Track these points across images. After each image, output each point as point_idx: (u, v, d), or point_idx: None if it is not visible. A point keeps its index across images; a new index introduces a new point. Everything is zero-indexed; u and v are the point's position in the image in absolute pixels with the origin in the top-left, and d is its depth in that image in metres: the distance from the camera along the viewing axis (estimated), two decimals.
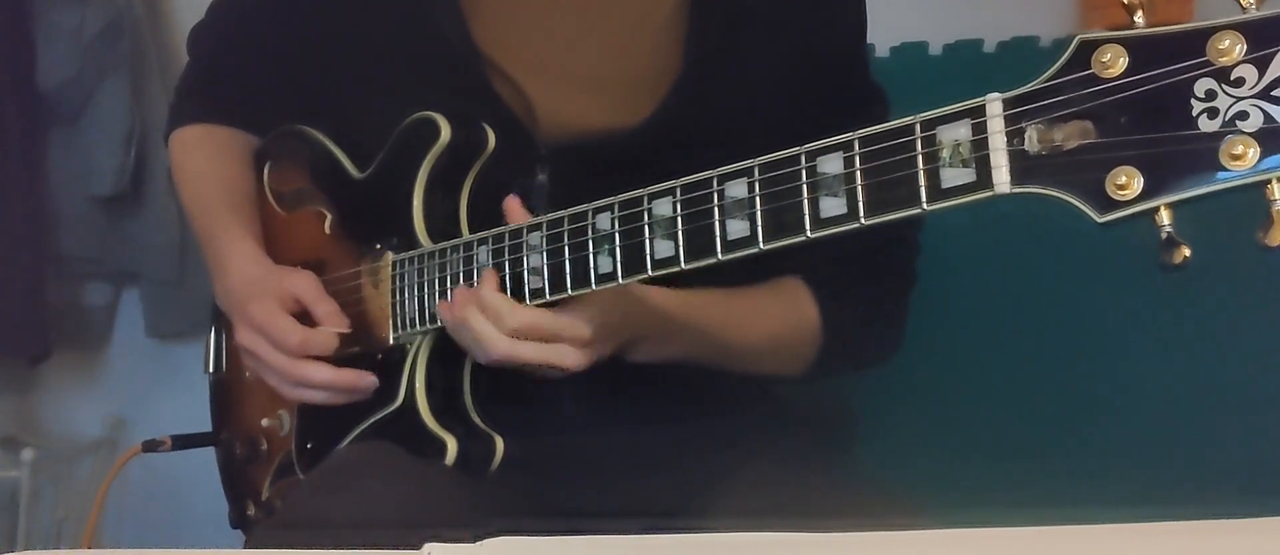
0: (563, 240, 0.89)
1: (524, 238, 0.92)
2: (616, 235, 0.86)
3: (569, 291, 0.89)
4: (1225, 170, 0.60)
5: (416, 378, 1.02)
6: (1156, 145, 0.62)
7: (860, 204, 0.73)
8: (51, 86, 2.01)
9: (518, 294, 0.93)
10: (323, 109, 1.16)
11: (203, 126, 1.27)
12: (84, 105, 2.03)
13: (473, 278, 0.96)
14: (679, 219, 0.82)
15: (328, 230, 1.14)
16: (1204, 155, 0.60)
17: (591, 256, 0.87)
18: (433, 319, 1.00)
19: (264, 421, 1.18)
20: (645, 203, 0.84)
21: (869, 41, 1.18)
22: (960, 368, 1.47)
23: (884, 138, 0.72)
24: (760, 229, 0.78)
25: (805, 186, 0.75)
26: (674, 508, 1.02)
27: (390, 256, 1.05)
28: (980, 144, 0.67)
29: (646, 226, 0.84)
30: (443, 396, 1.01)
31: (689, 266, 0.82)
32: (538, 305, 0.92)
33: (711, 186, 0.81)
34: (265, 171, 1.23)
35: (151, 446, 1.43)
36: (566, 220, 0.89)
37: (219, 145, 1.25)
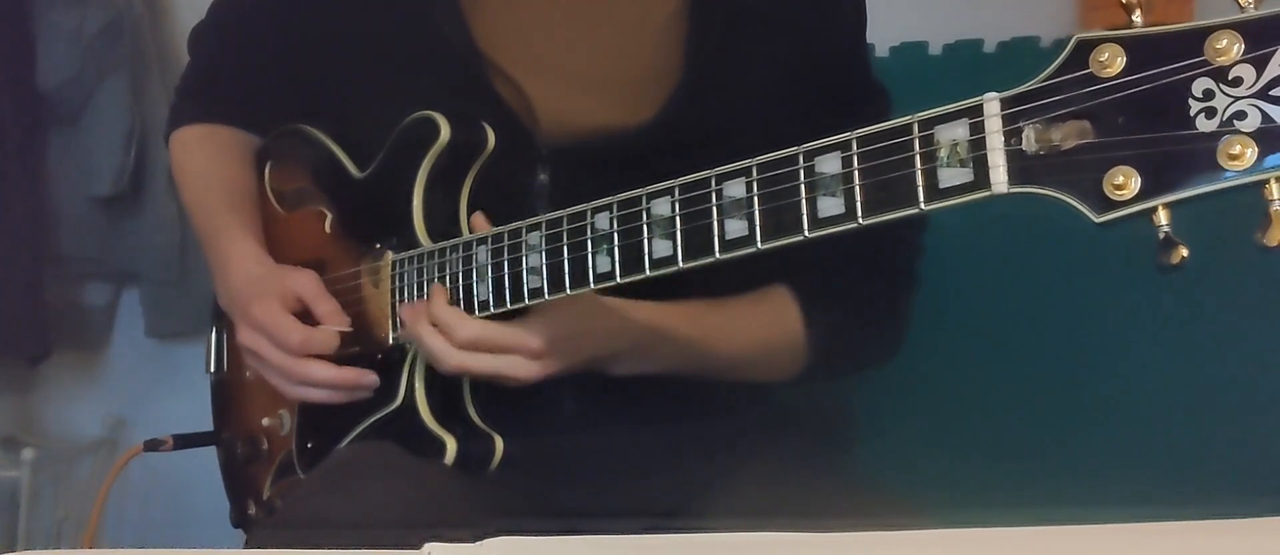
0: (562, 240, 0.89)
1: (523, 237, 0.92)
2: (615, 235, 0.86)
3: (568, 291, 0.89)
4: (1223, 170, 0.60)
5: (416, 377, 1.02)
6: (1154, 145, 0.62)
7: (858, 204, 0.73)
8: (51, 86, 2.02)
9: (516, 294, 0.93)
10: (323, 109, 1.16)
11: (203, 126, 1.27)
12: (84, 105, 2.03)
13: (473, 277, 0.96)
14: (677, 219, 0.82)
15: (328, 230, 1.14)
16: (1202, 155, 0.60)
17: (590, 256, 0.87)
18: None
19: (265, 421, 1.18)
20: (644, 202, 0.84)
21: (869, 41, 1.18)
22: (959, 368, 1.47)
23: (882, 137, 0.72)
24: (758, 229, 0.78)
25: (803, 186, 0.75)
26: (674, 508, 1.02)
27: (390, 256, 1.05)
28: (978, 144, 0.67)
29: (645, 226, 0.84)
30: (442, 396, 1.01)
31: (687, 266, 0.82)
32: (534, 305, 0.92)
33: (710, 186, 0.81)
34: (266, 171, 1.23)
35: (153, 446, 1.43)
36: (565, 220, 0.89)
37: (220, 145, 1.26)
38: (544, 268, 0.90)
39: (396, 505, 0.91)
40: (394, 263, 1.04)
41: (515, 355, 0.94)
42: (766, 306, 1.07)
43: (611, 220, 0.86)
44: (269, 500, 1.18)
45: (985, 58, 1.62)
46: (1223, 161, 0.60)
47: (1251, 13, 0.60)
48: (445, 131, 1.00)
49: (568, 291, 0.89)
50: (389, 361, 1.04)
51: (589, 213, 0.88)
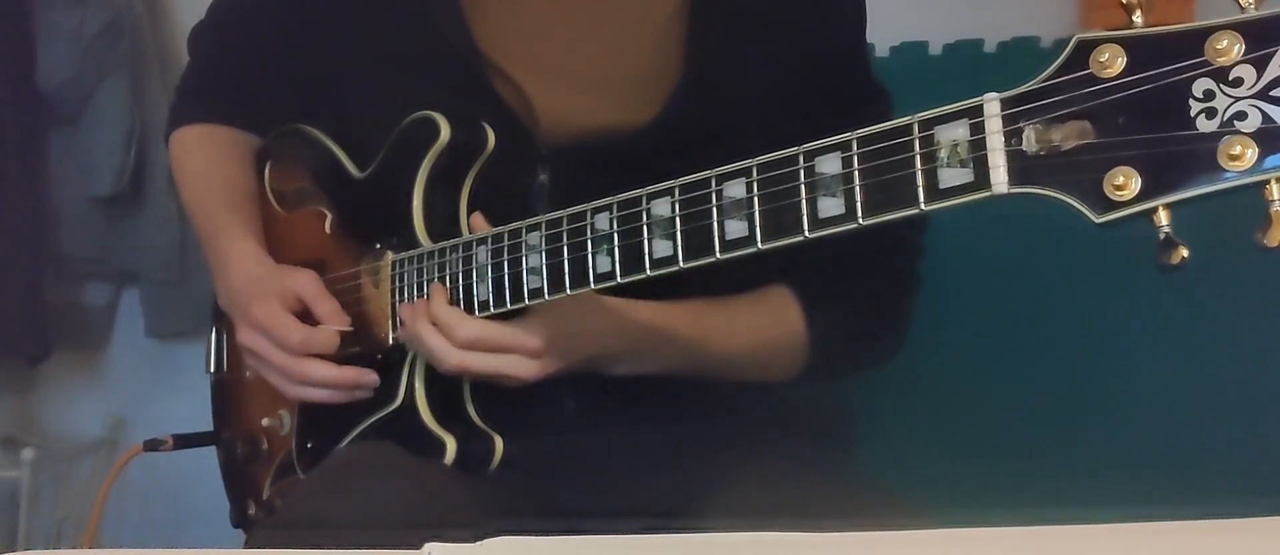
0: (562, 240, 0.89)
1: (523, 237, 0.92)
2: (615, 235, 0.86)
3: (568, 291, 0.89)
4: (1224, 170, 0.60)
5: (416, 377, 1.02)
6: (1154, 145, 0.62)
7: (858, 204, 0.73)
8: (51, 86, 2.02)
9: (516, 294, 0.93)
10: (323, 109, 1.16)
11: (203, 126, 1.27)
12: (84, 105, 2.03)
13: (473, 277, 0.96)
14: (677, 219, 0.82)
15: (328, 230, 1.14)
16: (1202, 155, 0.60)
17: (590, 256, 0.87)
18: None
19: (264, 421, 1.18)
20: (644, 203, 0.84)
21: (869, 41, 1.18)
22: (959, 367, 1.47)
23: (882, 138, 0.72)
24: (758, 229, 0.78)
25: (803, 187, 0.75)
26: (674, 508, 1.02)
27: (390, 256, 1.05)
28: (978, 144, 0.67)
29: (645, 227, 0.84)
30: (442, 396, 1.01)
31: (687, 266, 0.82)
32: (535, 305, 0.92)
33: (710, 187, 0.81)
34: (266, 171, 1.23)
35: (153, 446, 1.43)
36: (565, 220, 0.89)
37: (220, 145, 1.26)
38: (544, 268, 0.90)
39: (396, 505, 0.91)
40: (394, 263, 1.04)
41: (515, 355, 0.94)
42: (767, 306, 1.07)
43: (611, 220, 0.86)
44: (269, 500, 1.18)
45: (985, 58, 1.61)
46: (1223, 162, 0.60)
47: (1252, 13, 0.60)
48: (445, 131, 1.00)
49: (568, 292, 0.89)
50: (389, 361, 1.04)
51: (589, 213, 0.88)
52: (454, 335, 0.94)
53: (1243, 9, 0.60)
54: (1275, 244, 0.59)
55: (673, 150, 0.93)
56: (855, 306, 1.08)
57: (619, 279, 0.86)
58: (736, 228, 0.79)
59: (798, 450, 1.07)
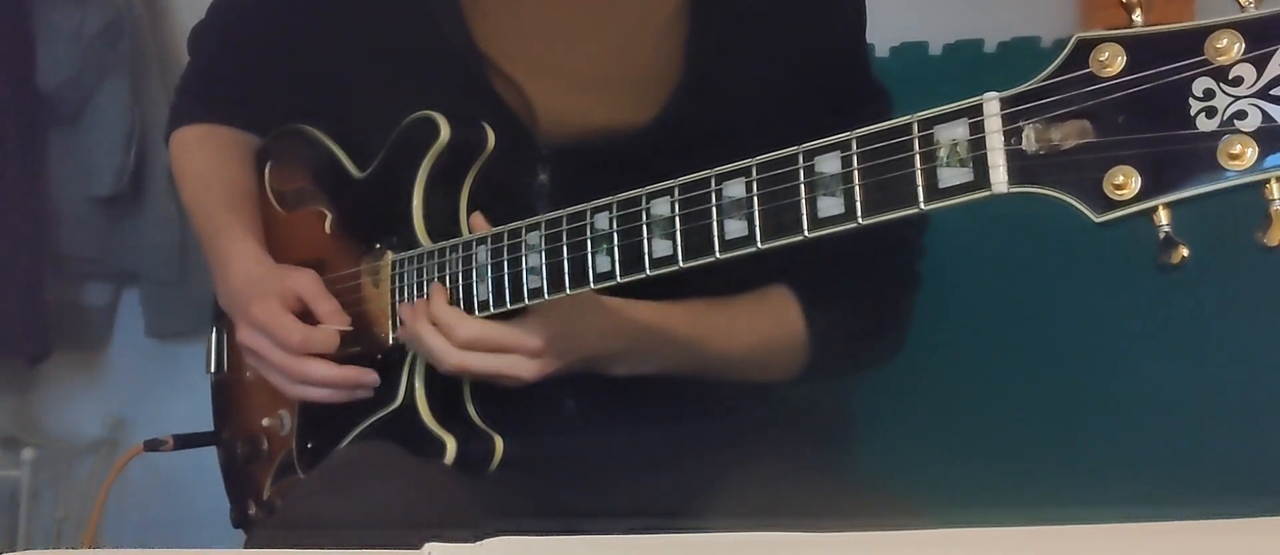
0: (561, 240, 0.89)
1: (523, 237, 0.92)
2: (614, 235, 0.86)
3: (567, 291, 0.89)
4: (1224, 170, 0.60)
5: (416, 377, 1.02)
6: (1154, 145, 0.62)
7: (858, 204, 0.73)
8: (51, 86, 2.02)
9: (516, 293, 0.93)
10: (323, 109, 1.16)
11: (203, 126, 1.27)
12: (84, 105, 2.03)
13: (472, 277, 0.96)
14: (677, 219, 0.82)
15: (328, 230, 1.14)
16: (1202, 155, 0.60)
17: (590, 256, 0.87)
18: None
19: (265, 421, 1.18)
20: (643, 202, 0.84)
21: (869, 41, 1.18)
22: (959, 367, 1.47)
23: (881, 137, 0.72)
24: (758, 229, 0.78)
25: (803, 186, 0.75)
26: (674, 508, 1.02)
27: (390, 256, 1.05)
28: (978, 144, 0.67)
29: (644, 226, 0.84)
30: (442, 396, 1.01)
31: (687, 266, 0.82)
32: (534, 304, 0.92)
33: (709, 186, 0.81)
34: (266, 171, 1.23)
35: (154, 446, 1.43)
36: (565, 220, 0.89)
37: (220, 145, 1.26)
38: (544, 268, 0.90)
39: (396, 505, 0.91)
40: (394, 263, 1.04)
41: (515, 354, 0.94)
42: (767, 306, 1.07)
43: (611, 220, 0.86)
44: (269, 500, 1.18)
45: (985, 58, 1.61)
46: (1223, 161, 0.60)
47: (1252, 12, 0.60)
48: (445, 131, 1.00)
49: (568, 291, 0.89)
50: (389, 361, 1.04)
51: (589, 213, 0.88)
52: (454, 335, 0.94)
53: (1242, 8, 0.60)
54: (1275, 243, 0.59)
55: (672, 150, 0.93)
56: (855, 306, 1.08)
57: (619, 279, 0.86)
58: (736, 227, 0.79)
59: (798, 450, 1.07)
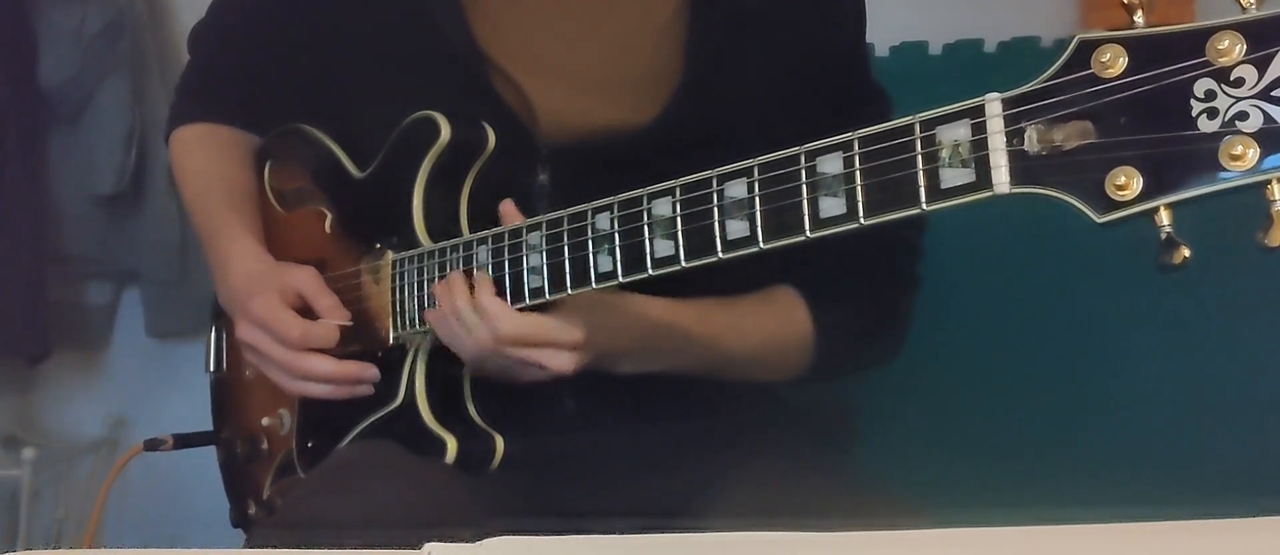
0: (562, 240, 0.89)
1: (523, 237, 0.92)
2: (616, 235, 0.86)
3: (569, 291, 0.89)
4: (1225, 170, 0.60)
5: (416, 377, 1.02)
6: (1156, 145, 0.62)
7: (860, 204, 0.73)
8: (52, 86, 2.01)
9: (517, 293, 0.93)
10: (323, 108, 1.16)
11: (203, 125, 1.27)
12: (85, 104, 2.03)
13: (472, 278, 0.96)
14: (678, 219, 0.82)
15: (328, 229, 1.14)
16: (1204, 155, 0.60)
17: (591, 256, 0.87)
18: None
19: (265, 420, 1.18)
20: (645, 203, 0.84)
21: (869, 41, 1.18)
22: (960, 367, 1.47)
23: (883, 138, 0.72)
24: (760, 229, 0.78)
25: (805, 186, 0.75)
26: (674, 508, 1.02)
27: (390, 256, 1.05)
28: (979, 144, 0.67)
29: (646, 226, 0.84)
30: (443, 395, 1.01)
31: (689, 265, 0.82)
32: (537, 304, 0.92)
33: (711, 187, 0.81)
34: (266, 170, 1.23)
35: (153, 445, 1.43)
36: (566, 220, 0.89)
37: (220, 144, 1.26)
38: (545, 267, 0.90)
39: (397, 505, 0.91)
40: (394, 262, 1.04)
41: (553, 348, 0.93)
42: (774, 306, 1.07)
43: (612, 220, 0.86)
44: (269, 500, 1.18)
45: (985, 58, 1.62)
46: (1224, 162, 0.60)
47: (1253, 14, 0.60)
48: (445, 131, 1.00)
49: (568, 291, 0.89)
50: (389, 361, 1.04)
51: (590, 213, 0.88)
52: (499, 327, 0.92)
53: (1244, 9, 0.60)
54: (1276, 244, 0.59)
55: (673, 150, 0.93)
56: (859, 307, 1.08)
57: (620, 278, 0.86)
58: (738, 227, 0.79)
59: (798, 450, 1.07)
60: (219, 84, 1.27)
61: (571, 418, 1.05)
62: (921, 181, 0.70)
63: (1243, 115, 0.59)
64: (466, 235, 0.99)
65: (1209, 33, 0.60)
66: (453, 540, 0.60)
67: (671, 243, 0.83)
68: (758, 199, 0.78)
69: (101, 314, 2.19)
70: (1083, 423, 1.47)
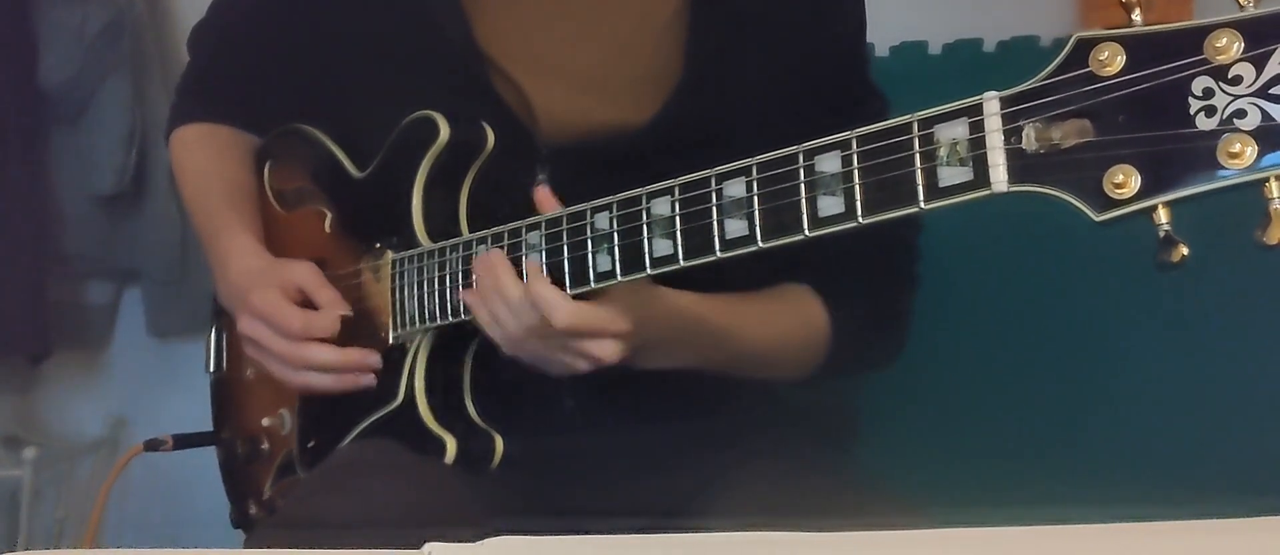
0: (562, 239, 0.89)
1: (523, 237, 0.92)
2: (615, 234, 0.86)
3: (568, 290, 0.89)
4: (1223, 168, 0.60)
5: (416, 376, 1.02)
6: (1154, 144, 0.62)
7: (858, 203, 0.73)
8: (53, 85, 2.02)
9: None
10: (323, 108, 1.16)
11: (203, 125, 1.27)
12: (85, 104, 2.03)
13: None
14: (677, 219, 0.82)
15: (328, 229, 1.14)
16: (1202, 153, 0.60)
17: (590, 255, 0.87)
18: (433, 317, 1.00)
19: (265, 421, 1.18)
20: (644, 202, 0.84)
21: (869, 41, 1.18)
22: (959, 367, 1.46)
23: (882, 137, 0.72)
24: (758, 228, 0.78)
25: (803, 186, 0.75)
26: (674, 508, 1.02)
27: (390, 255, 1.05)
28: (978, 143, 0.67)
29: (645, 226, 0.84)
30: (443, 395, 1.01)
31: (687, 264, 0.82)
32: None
33: (709, 186, 0.81)
34: (266, 170, 1.23)
35: (153, 446, 1.43)
36: (565, 219, 0.89)
37: (220, 144, 1.26)
38: (544, 267, 0.90)
39: (397, 505, 0.91)
40: (394, 262, 1.04)
41: (603, 338, 0.90)
42: (793, 302, 1.06)
43: (611, 220, 0.86)
44: (269, 500, 1.18)
45: (985, 57, 1.61)
46: (1222, 160, 0.60)
47: (1251, 11, 0.60)
48: (445, 131, 1.00)
49: (568, 291, 0.89)
50: (389, 360, 1.04)
51: (589, 212, 0.88)
52: (556, 317, 0.89)
53: (1242, 7, 0.60)
54: (1275, 242, 0.59)
55: (672, 150, 0.93)
56: (867, 303, 1.07)
57: (619, 278, 0.86)
58: (736, 226, 0.79)
59: (798, 450, 1.07)
60: (219, 84, 1.27)
61: (571, 417, 1.05)
62: (920, 180, 0.70)
63: (1241, 113, 0.59)
64: (466, 235, 0.99)
65: (1207, 31, 0.60)
66: (453, 540, 0.60)
67: (670, 242, 0.83)
68: (756, 198, 0.78)
69: (102, 314, 2.19)
70: (1082, 422, 1.47)
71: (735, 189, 0.79)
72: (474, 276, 0.95)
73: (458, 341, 1.01)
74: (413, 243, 1.03)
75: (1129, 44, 0.63)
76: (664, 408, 1.05)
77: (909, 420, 1.45)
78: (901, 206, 0.71)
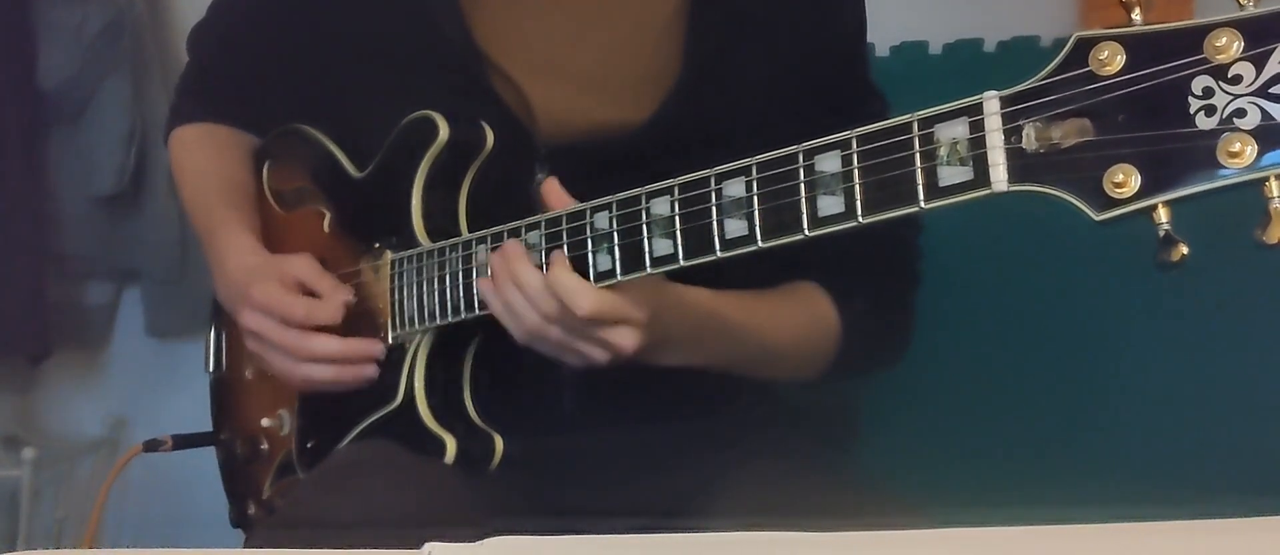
0: (561, 239, 0.89)
1: (522, 236, 0.92)
2: (615, 234, 0.86)
3: None
4: (1223, 168, 0.60)
5: (416, 376, 1.02)
6: (1154, 143, 0.62)
7: (858, 203, 0.73)
8: (52, 85, 2.02)
9: None
10: (322, 108, 1.16)
11: (203, 125, 1.27)
12: (85, 104, 2.03)
13: (471, 277, 0.96)
14: (677, 218, 0.82)
15: (327, 229, 1.14)
16: (1202, 153, 0.60)
17: (590, 255, 0.87)
18: (432, 317, 1.00)
19: (264, 421, 1.18)
20: (643, 202, 0.84)
21: (869, 41, 1.18)
22: (959, 367, 1.47)
23: (882, 136, 0.72)
24: (758, 228, 0.78)
25: (803, 185, 0.75)
26: (674, 508, 1.02)
27: (389, 255, 1.05)
28: (978, 142, 0.67)
29: (644, 226, 0.84)
30: (442, 395, 1.01)
31: (687, 263, 0.82)
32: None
33: (709, 186, 0.81)
34: (265, 170, 1.23)
35: (152, 446, 1.43)
36: (564, 219, 0.89)
37: (219, 144, 1.26)
38: (544, 267, 0.90)
39: (396, 505, 0.91)
40: (393, 262, 1.04)
41: (624, 326, 0.89)
42: (803, 300, 1.05)
43: (611, 220, 0.86)
44: (269, 500, 1.18)
45: (985, 57, 1.62)
46: (1222, 159, 0.60)
47: (1251, 11, 0.60)
48: (444, 131, 1.00)
49: None
50: (388, 361, 1.04)
51: (588, 212, 0.88)
52: (579, 305, 0.88)
53: (1242, 6, 0.60)
54: (1275, 241, 0.59)
55: (671, 150, 0.93)
56: (873, 302, 1.07)
57: (619, 278, 0.86)
58: (736, 226, 0.79)
59: (798, 450, 1.07)
60: (218, 84, 1.27)
61: (571, 418, 1.05)
62: (920, 180, 0.70)
63: (1241, 112, 0.59)
64: (465, 235, 0.99)
65: (1207, 30, 0.60)
66: (453, 540, 0.60)
67: (670, 241, 0.83)
68: (756, 198, 0.78)
69: (101, 314, 2.19)
70: (1082, 422, 1.47)
71: (735, 189, 0.79)
72: (490, 268, 0.94)
73: (457, 341, 1.01)
74: (412, 243, 1.03)
75: (1129, 43, 0.63)
76: (664, 408, 1.05)
77: (909, 420, 1.45)
78: (901, 206, 0.71)
